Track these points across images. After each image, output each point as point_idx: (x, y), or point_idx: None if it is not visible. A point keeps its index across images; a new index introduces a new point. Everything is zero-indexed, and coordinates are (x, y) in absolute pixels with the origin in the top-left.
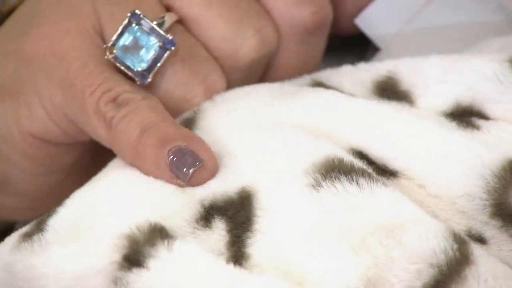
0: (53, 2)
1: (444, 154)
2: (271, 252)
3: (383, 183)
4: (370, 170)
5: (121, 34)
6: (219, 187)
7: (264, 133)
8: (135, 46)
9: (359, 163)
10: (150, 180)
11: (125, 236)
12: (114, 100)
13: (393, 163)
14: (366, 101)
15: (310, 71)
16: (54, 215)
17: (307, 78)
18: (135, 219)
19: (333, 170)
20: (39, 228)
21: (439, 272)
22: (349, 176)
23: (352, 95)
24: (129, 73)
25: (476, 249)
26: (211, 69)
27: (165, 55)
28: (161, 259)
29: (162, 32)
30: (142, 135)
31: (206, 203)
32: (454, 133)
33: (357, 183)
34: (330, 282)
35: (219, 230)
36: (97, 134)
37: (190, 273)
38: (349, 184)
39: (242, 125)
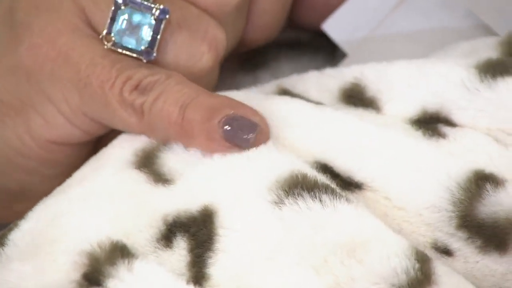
0: (30, 9)
1: (409, 165)
2: (232, 272)
3: (347, 198)
4: (333, 185)
5: (112, 20)
6: (183, 203)
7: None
8: (130, 27)
9: (322, 178)
10: (114, 194)
11: (85, 253)
12: (136, 87)
13: (358, 175)
14: (331, 110)
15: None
16: (15, 229)
17: (273, 85)
18: (97, 235)
19: (296, 186)
20: (0, 243)
21: None
22: (312, 193)
23: (318, 103)
24: (133, 55)
25: (438, 268)
26: (207, 23)
27: (162, 25)
28: (120, 279)
29: (151, 5)
30: (184, 113)
31: (170, 218)
32: (420, 143)
33: (320, 199)
34: None
35: (180, 249)
36: (127, 125)
37: None
38: (311, 201)
39: None
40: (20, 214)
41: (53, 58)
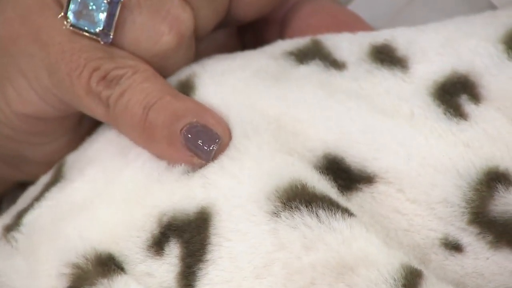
0: None
1: (424, 159)
2: None
3: (343, 212)
4: (335, 190)
5: (69, 1)
6: (181, 202)
7: (240, 140)
8: (85, 8)
9: (322, 188)
10: (115, 192)
11: (72, 265)
12: (104, 78)
13: (372, 165)
14: (346, 99)
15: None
16: (30, 211)
17: (307, 39)
18: (84, 246)
19: (295, 198)
20: (17, 223)
21: None
22: (309, 207)
23: (343, 63)
24: (91, 36)
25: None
26: (170, 2)
27: (118, 8)
28: None
29: None
30: (147, 115)
31: (165, 219)
32: (437, 136)
33: (317, 215)
34: None
35: (172, 257)
36: (94, 114)
37: None
38: (308, 216)
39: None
40: (31, 174)
41: (25, 34)
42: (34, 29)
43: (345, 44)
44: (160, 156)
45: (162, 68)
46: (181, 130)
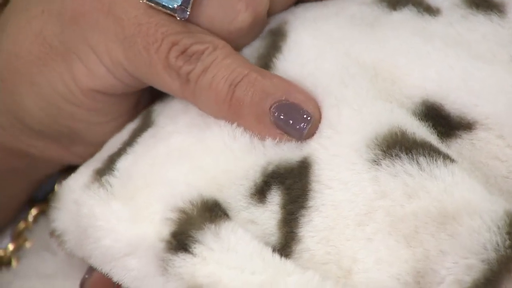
0: None
1: None
2: (322, 235)
3: (445, 157)
4: (434, 136)
5: None
6: (287, 153)
7: (340, 85)
8: None
9: (422, 134)
10: (213, 143)
11: (177, 209)
12: (183, 53)
13: (472, 112)
14: (443, 45)
15: None
16: (123, 156)
17: None
18: (189, 191)
19: (395, 146)
20: (110, 167)
21: (489, 269)
22: (410, 155)
23: (437, 9)
24: (168, 11)
25: None
26: None
27: None
28: (207, 246)
29: None
30: (233, 92)
31: (270, 168)
32: None
33: (417, 162)
34: (378, 274)
35: (273, 205)
36: (168, 88)
37: (233, 266)
38: (408, 164)
39: (327, 67)
40: (80, 156)
41: (99, 8)
42: (107, 3)
43: None
44: (247, 129)
45: (235, 48)
46: (270, 108)
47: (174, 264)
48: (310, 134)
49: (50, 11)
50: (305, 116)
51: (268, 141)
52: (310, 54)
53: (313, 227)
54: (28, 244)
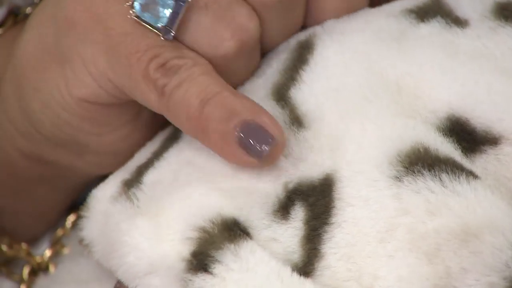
0: None
1: None
2: (343, 252)
3: (468, 174)
4: (458, 152)
5: None
6: (306, 171)
7: (363, 101)
8: (153, 3)
9: (446, 150)
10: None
11: (198, 228)
12: (163, 66)
13: (497, 126)
14: (468, 59)
15: None
16: (151, 169)
17: None
18: (210, 210)
19: (417, 162)
20: (137, 180)
21: (511, 286)
22: (432, 171)
23: (465, 21)
24: (153, 30)
25: None
26: (238, 10)
27: (183, 7)
28: (226, 267)
29: None
30: (203, 108)
31: (291, 186)
32: None
33: (440, 178)
34: None
35: (297, 221)
36: (146, 100)
37: (252, 287)
38: (431, 181)
39: (351, 82)
40: (94, 164)
41: (89, 17)
42: (97, 14)
43: (466, 0)
44: (211, 148)
45: (220, 74)
46: (235, 127)
47: (193, 285)
48: (272, 157)
49: (48, 19)
50: (268, 138)
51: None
52: (335, 68)
53: (335, 243)
54: (66, 250)
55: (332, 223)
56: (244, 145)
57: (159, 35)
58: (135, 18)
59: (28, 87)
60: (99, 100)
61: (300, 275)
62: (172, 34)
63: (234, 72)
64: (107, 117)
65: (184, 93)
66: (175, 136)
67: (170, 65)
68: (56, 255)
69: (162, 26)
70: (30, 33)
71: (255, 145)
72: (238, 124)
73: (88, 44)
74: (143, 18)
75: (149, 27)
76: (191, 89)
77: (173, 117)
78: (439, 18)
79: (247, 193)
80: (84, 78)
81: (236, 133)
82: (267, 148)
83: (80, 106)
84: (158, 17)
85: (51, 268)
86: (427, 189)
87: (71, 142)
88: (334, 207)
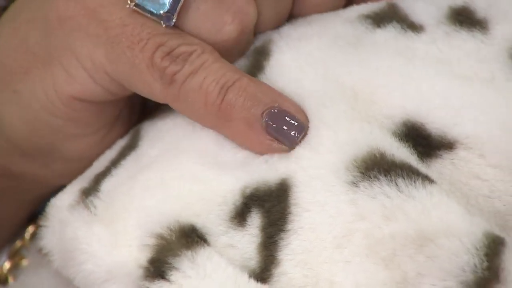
0: None
1: (506, 122)
2: (300, 258)
3: (423, 179)
4: (414, 157)
5: None
6: (264, 175)
7: (320, 107)
8: None
9: (401, 155)
10: (198, 167)
11: (155, 235)
12: (169, 54)
13: (452, 131)
14: (424, 66)
15: None
16: (108, 177)
17: (383, 3)
18: (167, 217)
19: (373, 168)
20: (95, 188)
21: None
22: (388, 176)
23: (421, 26)
24: (153, 18)
25: (509, 261)
26: None
27: None
28: (183, 273)
29: None
30: (225, 95)
31: (248, 191)
32: None
33: (396, 183)
34: None
35: (253, 228)
36: (149, 89)
37: None
38: (386, 186)
39: (307, 89)
40: (59, 174)
41: (83, 13)
42: (91, 8)
43: (421, 6)
44: (234, 137)
45: None
46: (262, 113)
47: None
48: (299, 142)
49: (35, 19)
50: (297, 124)
51: (242, 164)
52: (291, 74)
53: (291, 250)
54: (25, 262)
55: (288, 230)
56: (273, 133)
57: (159, 23)
58: (134, 7)
59: (5, 90)
60: (91, 96)
61: (257, 281)
62: (174, 20)
63: (231, 58)
64: (91, 117)
65: (203, 81)
66: (133, 144)
67: (177, 52)
68: (15, 267)
69: (164, 12)
70: (8, 38)
71: (287, 132)
72: (264, 111)
73: (83, 39)
74: (143, 6)
75: (149, 15)
76: (209, 77)
77: (184, 106)
78: (394, 23)
79: (204, 200)
80: (78, 74)
81: (263, 120)
82: (298, 134)
83: (67, 105)
84: (159, 4)
85: (10, 280)
86: (383, 194)
87: (43, 148)
88: (290, 213)
